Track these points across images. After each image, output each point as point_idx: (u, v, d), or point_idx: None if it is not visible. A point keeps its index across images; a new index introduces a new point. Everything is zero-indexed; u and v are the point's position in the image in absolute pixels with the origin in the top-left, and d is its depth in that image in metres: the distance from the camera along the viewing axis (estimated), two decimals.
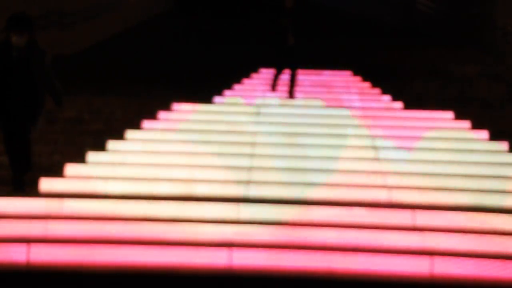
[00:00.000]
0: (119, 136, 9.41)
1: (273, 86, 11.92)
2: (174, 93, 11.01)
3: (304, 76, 12.60)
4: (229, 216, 7.47)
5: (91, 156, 8.80)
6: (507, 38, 14.38)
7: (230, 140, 9.39)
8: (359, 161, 8.79)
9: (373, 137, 9.47)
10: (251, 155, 8.88)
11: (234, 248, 6.89)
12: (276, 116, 10.30)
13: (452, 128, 10.03)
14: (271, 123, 10.02)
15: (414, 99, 11.26)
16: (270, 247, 6.92)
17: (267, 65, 13.41)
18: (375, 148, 9.15)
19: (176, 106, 10.57)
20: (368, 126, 9.89)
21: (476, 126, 9.95)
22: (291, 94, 11.67)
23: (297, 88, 11.77)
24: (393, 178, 8.33)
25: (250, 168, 8.51)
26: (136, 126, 9.77)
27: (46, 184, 8.11)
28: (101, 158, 8.82)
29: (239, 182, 8.19)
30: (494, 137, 9.56)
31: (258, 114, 10.34)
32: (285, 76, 11.84)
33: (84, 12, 15.33)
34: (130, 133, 9.51)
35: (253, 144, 9.23)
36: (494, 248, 6.98)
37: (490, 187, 8.18)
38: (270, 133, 9.61)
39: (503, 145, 9.30)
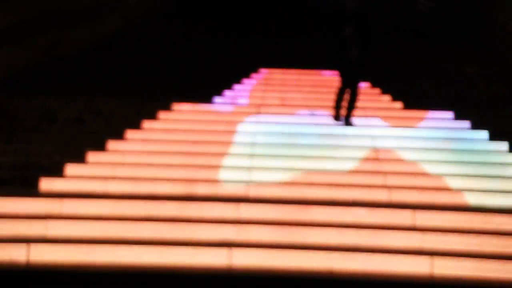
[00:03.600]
0: (119, 136, 9.40)
1: (337, 109, 9.80)
2: (174, 93, 10.98)
3: (304, 76, 12.59)
4: (229, 216, 7.48)
5: (91, 156, 8.80)
6: (507, 38, 14.36)
7: (230, 140, 9.38)
8: (359, 161, 8.79)
9: (373, 137, 9.46)
10: (251, 155, 8.88)
11: (234, 248, 6.90)
12: (276, 116, 10.29)
13: (452, 128, 10.02)
14: (271, 123, 10.01)
15: (414, 99, 11.22)
16: (270, 247, 6.93)
17: (265, 66, 13.38)
18: (375, 148, 9.15)
19: (176, 106, 10.57)
20: (368, 126, 9.88)
21: (476, 126, 9.94)
22: (348, 119, 9.74)
23: (355, 112, 9.83)
24: (393, 178, 8.34)
25: (250, 168, 8.51)
26: (136, 126, 9.76)
27: (46, 184, 8.12)
28: (101, 158, 8.83)
29: (239, 182, 8.19)
30: (494, 137, 9.55)
31: (258, 114, 10.33)
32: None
33: (83, 13, 15.31)
34: (130, 133, 9.51)
35: (253, 144, 9.23)
36: (494, 248, 6.99)
37: (490, 187, 8.19)
38: (270, 133, 9.61)
39: (503, 145, 9.30)
